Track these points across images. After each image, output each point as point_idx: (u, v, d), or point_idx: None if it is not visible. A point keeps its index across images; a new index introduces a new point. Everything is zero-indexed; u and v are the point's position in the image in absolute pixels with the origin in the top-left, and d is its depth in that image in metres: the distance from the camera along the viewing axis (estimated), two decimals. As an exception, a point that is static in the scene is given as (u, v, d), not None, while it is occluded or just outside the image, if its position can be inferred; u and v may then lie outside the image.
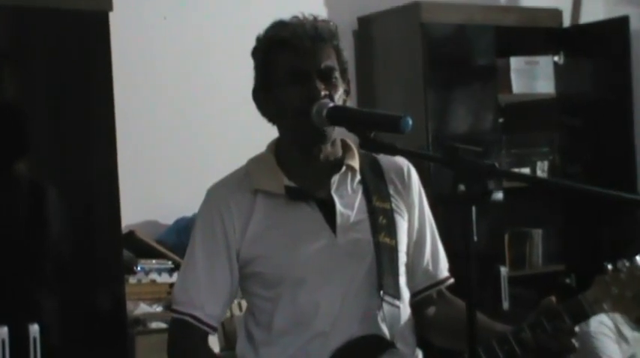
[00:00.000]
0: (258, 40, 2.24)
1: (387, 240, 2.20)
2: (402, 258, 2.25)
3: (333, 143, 2.22)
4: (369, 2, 4.69)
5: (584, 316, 2.07)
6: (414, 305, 2.30)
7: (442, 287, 2.35)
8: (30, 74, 3.39)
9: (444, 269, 2.35)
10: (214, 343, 3.56)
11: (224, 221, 2.19)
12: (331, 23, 2.22)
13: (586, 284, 2.10)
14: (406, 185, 2.29)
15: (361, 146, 2.04)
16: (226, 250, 2.19)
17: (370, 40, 4.70)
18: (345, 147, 2.27)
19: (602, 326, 3.32)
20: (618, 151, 4.92)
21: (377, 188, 2.25)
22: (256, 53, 2.24)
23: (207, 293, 2.20)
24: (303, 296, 2.14)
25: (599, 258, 2.15)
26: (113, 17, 3.43)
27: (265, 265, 2.17)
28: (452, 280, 2.36)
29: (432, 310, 2.35)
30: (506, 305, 4.54)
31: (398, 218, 2.25)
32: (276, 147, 2.27)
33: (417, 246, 2.31)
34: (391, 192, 2.27)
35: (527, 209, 4.86)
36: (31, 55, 3.38)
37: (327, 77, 2.16)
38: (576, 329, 2.06)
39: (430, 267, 2.33)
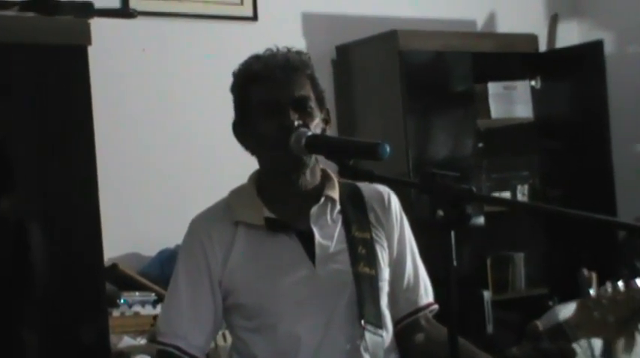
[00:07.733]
0: (234, 75, 2.26)
1: (367, 269, 2.19)
2: (384, 287, 2.25)
3: (313, 173, 2.23)
4: (346, 31, 4.72)
5: (566, 341, 2.08)
6: (399, 332, 2.30)
7: (425, 313, 2.34)
8: (8, 110, 3.38)
9: (425, 295, 2.34)
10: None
11: (206, 252, 2.20)
12: (304, 53, 2.25)
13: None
14: (386, 212, 2.30)
15: (340, 174, 2.05)
16: (209, 281, 2.20)
17: (349, 68, 4.73)
18: (326, 177, 2.28)
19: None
20: (597, 173, 4.95)
21: (357, 218, 2.26)
22: (233, 88, 2.27)
23: (190, 324, 2.20)
24: (283, 328, 2.14)
25: (581, 280, 2.16)
26: (92, 50, 3.43)
27: (245, 296, 2.18)
28: (435, 306, 2.35)
29: (419, 337, 2.32)
30: (490, 328, 4.55)
31: (378, 247, 2.25)
32: (256, 178, 2.28)
33: (396, 273, 2.30)
34: (372, 221, 2.28)
35: (509, 233, 4.88)
36: (10, 91, 3.36)
37: (301, 107, 2.17)
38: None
39: (410, 294, 2.32)
